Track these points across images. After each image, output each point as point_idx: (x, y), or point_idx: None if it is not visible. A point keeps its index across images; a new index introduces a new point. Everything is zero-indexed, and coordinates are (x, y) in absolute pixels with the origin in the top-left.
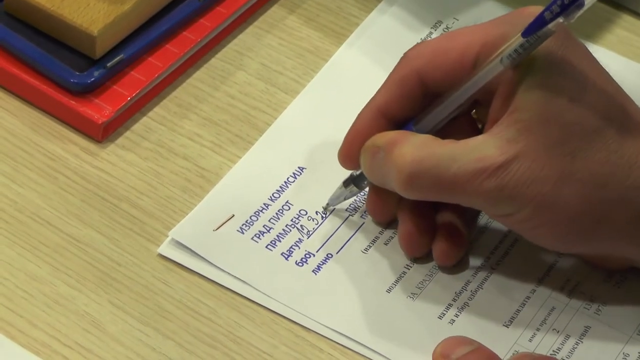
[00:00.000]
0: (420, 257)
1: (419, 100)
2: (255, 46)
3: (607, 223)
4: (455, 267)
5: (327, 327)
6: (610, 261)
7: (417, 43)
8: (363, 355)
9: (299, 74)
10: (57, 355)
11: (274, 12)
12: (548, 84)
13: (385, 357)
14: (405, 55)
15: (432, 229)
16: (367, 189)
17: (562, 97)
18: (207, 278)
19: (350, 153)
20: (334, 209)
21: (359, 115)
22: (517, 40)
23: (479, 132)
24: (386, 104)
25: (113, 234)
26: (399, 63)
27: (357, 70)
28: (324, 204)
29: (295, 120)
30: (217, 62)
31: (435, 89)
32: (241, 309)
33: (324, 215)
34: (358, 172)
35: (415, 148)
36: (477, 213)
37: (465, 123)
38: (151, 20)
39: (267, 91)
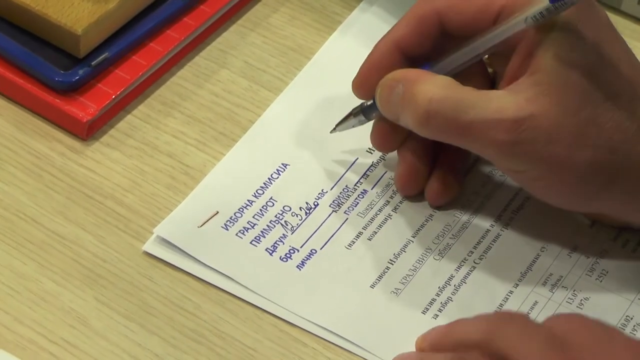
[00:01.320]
0: (411, 195)
1: (434, 40)
2: (239, 44)
3: (615, 186)
4: (439, 261)
5: (311, 322)
6: (610, 219)
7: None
8: (347, 350)
9: (282, 72)
10: (43, 351)
11: (257, 10)
12: (568, 50)
13: (368, 351)
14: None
15: (428, 173)
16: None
17: (579, 66)
18: (191, 274)
19: (364, 82)
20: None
21: (376, 46)
22: (544, 3)
23: (490, 79)
24: (403, 38)
25: (98, 231)
26: (401, 21)
27: (340, 68)
28: (331, 129)
29: (278, 118)
30: (201, 60)
31: (453, 33)
32: (225, 304)
33: (307, 211)
34: (369, 103)
35: (437, 87)
36: (467, 160)
37: (477, 68)
38: (135, 19)
39: (250, 89)
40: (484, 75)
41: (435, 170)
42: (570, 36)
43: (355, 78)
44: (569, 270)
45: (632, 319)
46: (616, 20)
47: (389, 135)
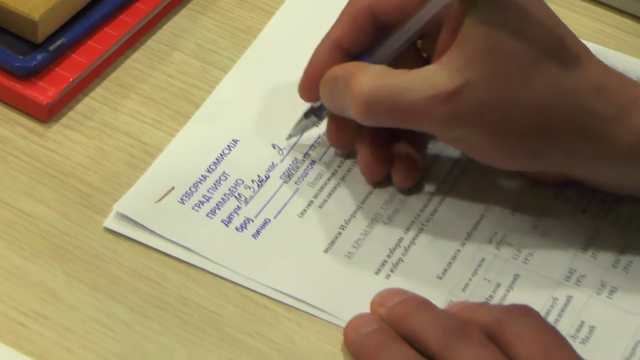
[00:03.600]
0: (379, 181)
1: (371, 33)
2: (190, 27)
3: (554, 143)
4: (388, 224)
5: (269, 287)
6: (550, 177)
7: None
8: (305, 312)
9: (233, 52)
10: (14, 323)
11: None
12: (492, 16)
13: (326, 312)
14: None
15: (389, 156)
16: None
17: (505, 29)
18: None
19: (309, 85)
20: (297, 139)
21: (316, 49)
22: None
23: (425, 62)
24: (341, 37)
25: (62, 208)
26: (345, 9)
27: (285, 44)
28: (286, 135)
29: (227, 95)
30: (154, 43)
31: (387, 22)
32: (188, 272)
33: (259, 184)
34: (318, 104)
35: (371, 78)
36: (427, 140)
37: (412, 54)
38: (90, 5)
39: (203, 69)
40: (419, 56)
41: (397, 154)
42: (492, 3)
43: (300, 83)
44: (513, 228)
45: (575, 271)
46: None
47: (343, 130)
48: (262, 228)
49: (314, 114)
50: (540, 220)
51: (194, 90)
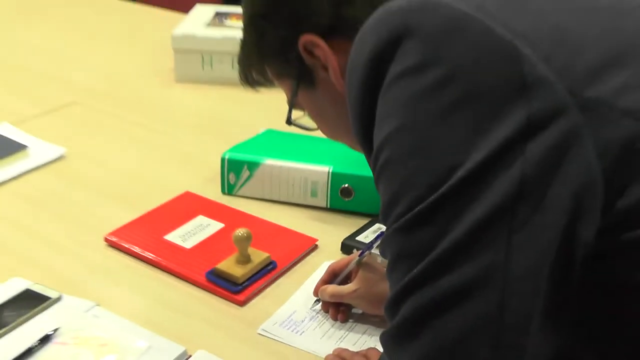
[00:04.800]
0: (336, 319)
1: (334, 276)
2: (292, 277)
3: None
4: (338, 331)
5: (312, 351)
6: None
7: (332, 262)
8: (317, 355)
9: (295, 285)
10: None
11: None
12: (369, 268)
13: (321, 356)
14: (329, 266)
15: (338, 310)
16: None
17: (372, 272)
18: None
19: (316, 291)
20: (316, 305)
21: (320, 280)
22: (357, 257)
23: (349, 282)
24: (325, 279)
25: (244, 331)
26: (327, 269)
27: (314, 279)
28: (312, 304)
29: (295, 297)
30: (280, 282)
31: (339, 272)
32: (280, 345)
33: (302, 321)
34: (319, 297)
35: (332, 288)
36: (350, 306)
37: (347, 280)
38: (258, 271)
39: (288, 293)
40: (348, 281)
41: (340, 309)
42: (368, 265)
43: (314, 290)
44: (375, 334)
45: None
46: None
47: (326, 304)
48: (303, 333)
49: (317, 300)
50: (373, 331)
51: (286, 291)
